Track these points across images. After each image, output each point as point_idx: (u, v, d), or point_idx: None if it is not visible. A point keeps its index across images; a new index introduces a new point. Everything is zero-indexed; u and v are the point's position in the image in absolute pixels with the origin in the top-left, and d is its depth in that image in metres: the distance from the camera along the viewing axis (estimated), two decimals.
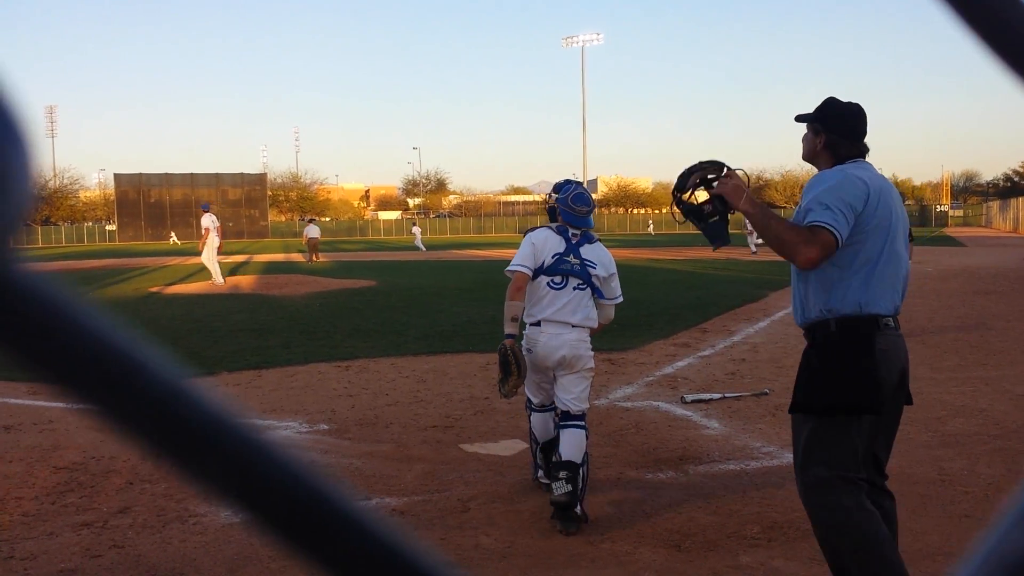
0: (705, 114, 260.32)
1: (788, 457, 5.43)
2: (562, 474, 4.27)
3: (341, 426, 6.32)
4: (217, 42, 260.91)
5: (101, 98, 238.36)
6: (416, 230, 49.11)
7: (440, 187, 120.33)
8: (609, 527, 4.27)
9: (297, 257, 34.59)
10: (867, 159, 3.24)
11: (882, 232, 3.03)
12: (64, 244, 72.22)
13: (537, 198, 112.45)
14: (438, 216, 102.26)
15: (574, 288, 4.59)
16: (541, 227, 4.86)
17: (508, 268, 4.64)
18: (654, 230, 77.17)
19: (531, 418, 4.89)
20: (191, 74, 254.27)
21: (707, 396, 7.07)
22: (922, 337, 9.76)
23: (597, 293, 4.72)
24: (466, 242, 57.27)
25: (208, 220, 19.16)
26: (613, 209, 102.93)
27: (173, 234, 66.86)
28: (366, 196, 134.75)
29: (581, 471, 4.35)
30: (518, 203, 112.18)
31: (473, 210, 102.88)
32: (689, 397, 7.03)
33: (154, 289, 19.27)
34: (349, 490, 0.37)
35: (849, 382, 3.00)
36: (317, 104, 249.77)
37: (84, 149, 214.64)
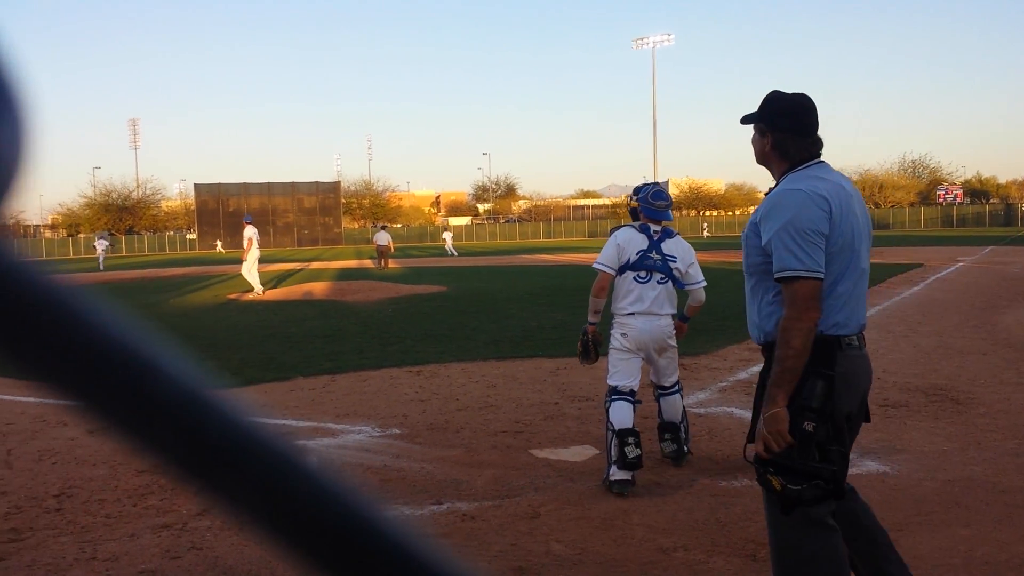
0: None
1: (867, 465, 5.29)
2: (667, 436, 5.35)
3: (413, 431, 6.37)
4: (293, 55, 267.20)
5: (182, 111, 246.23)
6: (447, 235, 49.66)
7: (510, 192, 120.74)
8: (682, 535, 4.19)
9: (369, 263, 35.10)
10: (823, 156, 2.97)
11: (846, 251, 2.79)
12: (147, 253, 74.84)
13: (607, 201, 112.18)
14: (507, 221, 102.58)
15: (658, 282, 5.15)
16: (625, 226, 5.33)
17: (595, 264, 5.25)
18: (707, 233, 75.58)
19: (611, 408, 5.04)
20: (268, 87, 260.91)
21: None
22: (1007, 337, 9.37)
23: (678, 284, 5.27)
24: (536, 247, 57.31)
25: (251, 231, 19.30)
26: (685, 212, 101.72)
27: (219, 242, 68.65)
28: (436, 202, 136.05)
29: (682, 427, 5.34)
30: (588, 207, 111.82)
31: (543, 215, 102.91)
32: None
33: (232, 296, 19.77)
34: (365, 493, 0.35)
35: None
36: (389, 113, 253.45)
37: (165, 160, 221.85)
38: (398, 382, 8.31)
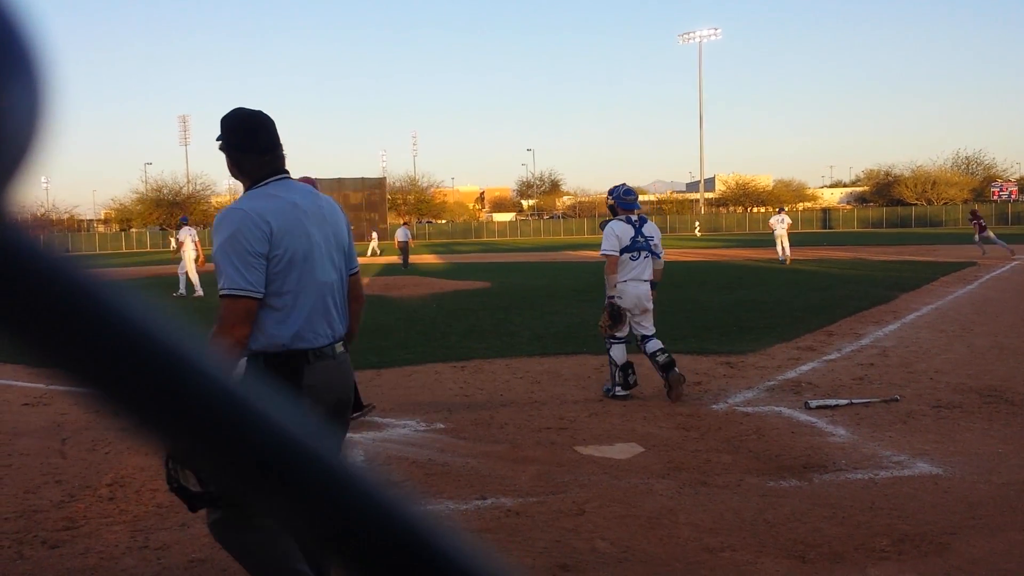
0: (828, 109, 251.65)
1: (920, 467, 5.19)
2: (660, 351, 7.04)
3: (457, 425, 6.39)
4: (339, 53, 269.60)
5: (230, 108, 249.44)
6: (374, 235, 45.32)
7: (554, 188, 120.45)
8: (729, 535, 4.14)
9: (414, 259, 35.31)
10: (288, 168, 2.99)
11: (297, 267, 2.81)
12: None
13: (652, 198, 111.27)
14: (551, 217, 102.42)
15: (643, 257, 7.07)
16: (614, 220, 7.15)
17: (603, 251, 7.08)
18: (700, 232, 72.00)
19: (612, 350, 7.11)
20: (315, 83, 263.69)
21: (833, 402, 6.79)
22: None
23: (655, 255, 7.16)
24: (580, 243, 57.12)
25: (185, 233, 19.27)
26: (732, 208, 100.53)
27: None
28: (481, 198, 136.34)
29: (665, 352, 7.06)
30: None
31: (587, 211, 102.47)
32: (814, 403, 6.77)
33: None
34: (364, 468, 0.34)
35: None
36: (434, 109, 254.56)
37: (215, 157, 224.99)
38: (443, 377, 8.34)
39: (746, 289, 17.35)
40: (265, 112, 3.01)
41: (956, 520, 4.27)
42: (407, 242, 30.88)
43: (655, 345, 7.06)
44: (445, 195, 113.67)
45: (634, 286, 7.02)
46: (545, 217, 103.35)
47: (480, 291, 18.42)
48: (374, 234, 45.48)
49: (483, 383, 8.01)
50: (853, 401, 6.79)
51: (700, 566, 3.81)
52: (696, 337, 10.47)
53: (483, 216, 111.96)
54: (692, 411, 6.69)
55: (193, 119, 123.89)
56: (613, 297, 6.99)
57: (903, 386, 7.36)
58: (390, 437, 6.13)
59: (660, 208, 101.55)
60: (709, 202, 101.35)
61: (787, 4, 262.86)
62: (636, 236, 7.01)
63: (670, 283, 19.41)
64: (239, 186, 3.00)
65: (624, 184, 7.41)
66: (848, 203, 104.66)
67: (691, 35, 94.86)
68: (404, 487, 0.34)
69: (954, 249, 30.87)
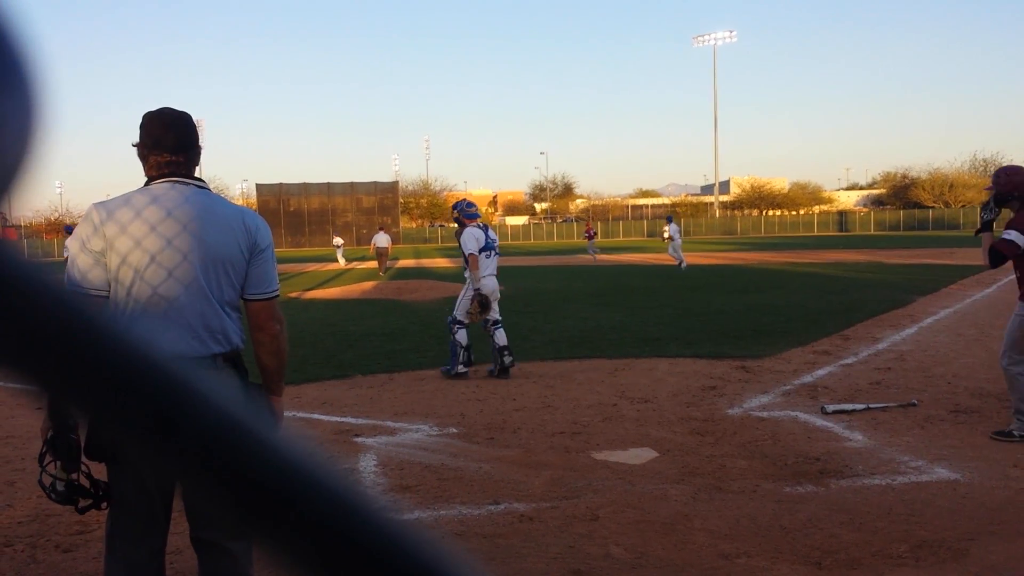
0: (845, 111, 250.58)
1: (939, 472, 5.13)
2: (507, 352, 8.51)
3: (470, 430, 6.37)
4: (351, 57, 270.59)
5: (244, 112, 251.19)
6: (337, 240, 38.52)
7: (567, 191, 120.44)
8: (745, 541, 4.10)
9: (427, 263, 35.35)
10: (199, 174, 2.83)
11: (134, 274, 2.62)
12: None
13: (666, 200, 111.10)
14: (565, 221, 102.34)
15: (494, 254, 8.63)
16: (470, 227, 8.51)
17: (468, 252, 8.38)
18: (667, 236, 68.77)
19: (459, 334, 8.49)
20: (328, 88, 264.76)
21: (850, 407, 6.72)
22: None
23: (498, 254, 8.71)
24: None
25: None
26: (747, 211, 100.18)
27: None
28: (494, 201, 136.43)
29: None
30: (647, 206, 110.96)
31: (601, 214, 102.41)
32: (830, 407, 6.71)
33: (293, 294, 20.08)
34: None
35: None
36: (447, 113, 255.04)
37: (228, 161, 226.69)
38: (455, 381, 8.33)
39: (762, 293, 17.26)
40: (179, 113, 2.83)
41: (974, 526, 4.22)
42: (387, 248, 29.59)
43: (503, 339, 8.48)
44: (458, 198, 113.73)
45: (490, 279, 8.50)
46: (558, 220, 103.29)
47: None
48: (337, 240, 38.62)
49: (496, 387, 7.99)
50: (870, 406, 6.73)
51: (715, 572, 3.78)
52: (711, 341, 10.42)
53: (496, 219, 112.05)
54: (707, 416, 6.64)
55: (207, 124, 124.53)
56: (479, 289, 8.33)
57: (921, 391, 7.29)
58: (403, 441, 6.11)
59: (674, 211, 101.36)
60: (724, 205, 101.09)
61: (802, 6, 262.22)
62: (488, 239, 8.53)
63: (684, 287, 19.40)
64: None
65: (465, 199, 9.15)
66: (865, 206, 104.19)
67: (705, 38, 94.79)
68: (384, 497, 0.33)
69: (972, 252, 30.61)
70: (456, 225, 8.79)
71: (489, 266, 8.53)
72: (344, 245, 38.41)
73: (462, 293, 8.64)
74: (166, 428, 0.31)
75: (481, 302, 8.35)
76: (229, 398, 0.32)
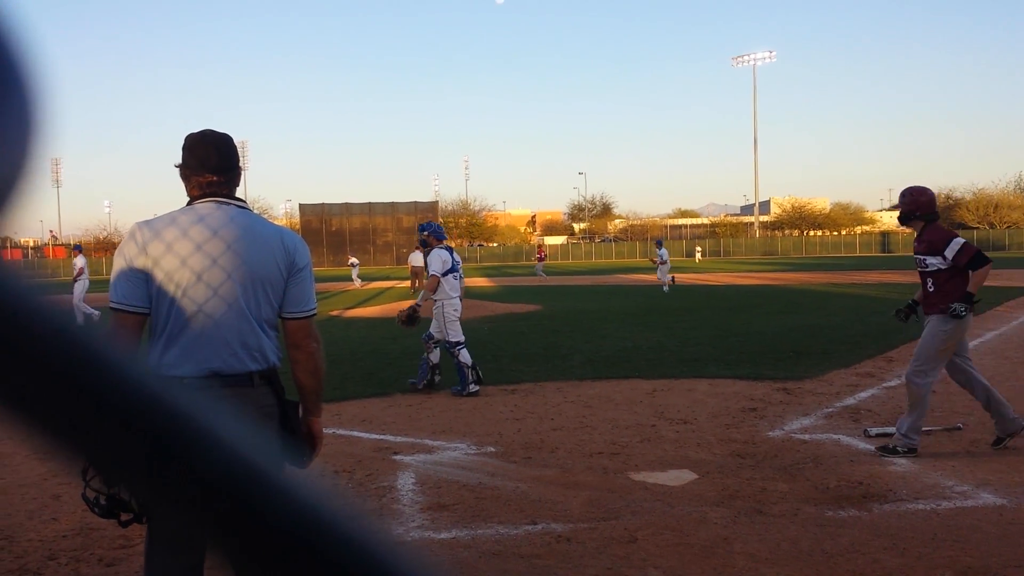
0: (886, 131, 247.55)
1: (984, 497, 5.02)
2: (437, 371, 9.14)
3: (508, 449, 6.37)
4: (393, 80, 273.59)
5: (289, 134, 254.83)
6: (353, 261, 38.17)
7: (605, 211, 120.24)
8: (786, 566, 4.05)
9: (467, 282, 35.31)
10: (237, 193, 2.87)
11: (177, 292, 2.65)
12: None
13: (705, 220, 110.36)
14: (603, 240, 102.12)
15: (460, 277, 9.01)
16: (438, 248, 8.94)
17: (432, 272, 8.78)
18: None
19: (461, 352, 8.70)
20: (370, 110, 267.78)
21: (893, 430, 6.61)
22: None
23: (461, 276, 9.06)
24: (632, 266, 56.85)
25: (81, 261, 19.08)
26: (787, 231, 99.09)
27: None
28: (532, 221, 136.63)
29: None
30: (685, 226, 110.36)
31: (639, 234, 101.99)
32: (873, 430, 6.60)
33: (335, 313, 20.27)
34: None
35: None
36: (486, 134, 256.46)
37: (273, 180, 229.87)
38: (493, 400, 8.34)
39: (802, 314, 17.06)
40: (221, 134, 2.93)
41: (1021, 553, 4.12)
42: (422, 267, 29.63)
43: (467, 357, 8.73)
44: (497, 218, 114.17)
45: (458, 300, 8.95)
46: (597, 240, 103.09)
47: (531, 314, 18.41)
48: (353, 260, 38.37)
49: (534, 406, 7.98)
50: None
51: None
52: (751, 363, 10.32)
53: (534, 239, 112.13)
54: (747, 438, 6.57)
55: (251, 145, 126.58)
56: (419, 306, 8.98)
57: (966, 414, 7.15)
58: (441, 460, 6.13)
59: (713, 231, 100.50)
60: (764, 225, 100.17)
61: (841, 26, 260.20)
62: (455, 260, 8.94)
63: (724, 308, 19.22)
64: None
65: (433, 222, 9.52)
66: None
67: (745, 58, 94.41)
68: (366, 516, 0.34)
69: (1018, 273, 29.96)
70: (422, 247, 9.45)
71: (455, 287, 8.90)
72: (360, 264, 38.34)
73: (438, 314, 8.88)
74: (161, 459, 0.31)
75: (411, 316, 8.89)
76: (230, 428, 0.33)
